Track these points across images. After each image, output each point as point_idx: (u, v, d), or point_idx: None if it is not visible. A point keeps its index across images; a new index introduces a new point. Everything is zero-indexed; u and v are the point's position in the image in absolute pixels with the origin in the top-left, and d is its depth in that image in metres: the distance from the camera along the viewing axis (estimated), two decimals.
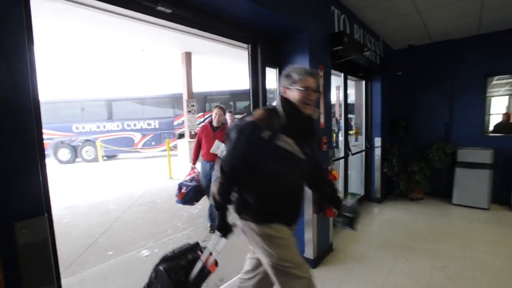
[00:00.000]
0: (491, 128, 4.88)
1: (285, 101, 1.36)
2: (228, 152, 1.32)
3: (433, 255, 2.71)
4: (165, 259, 1.40)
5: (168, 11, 1.66)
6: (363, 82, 4.34)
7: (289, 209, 1.42)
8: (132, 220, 4.09)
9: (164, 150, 9.35)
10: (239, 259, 2.64)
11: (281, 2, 2.05)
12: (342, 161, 3.69)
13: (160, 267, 1.36)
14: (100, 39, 6.16)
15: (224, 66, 9.13)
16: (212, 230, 3.46)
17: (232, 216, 1.42)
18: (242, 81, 10.34)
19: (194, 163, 3.48)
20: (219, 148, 3.24)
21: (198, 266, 1.40)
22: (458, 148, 4.15)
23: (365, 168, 4.48)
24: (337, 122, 8.85)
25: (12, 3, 0.95)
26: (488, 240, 3.03)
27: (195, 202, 3.26)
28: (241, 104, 11.14)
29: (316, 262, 2.57)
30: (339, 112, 9.64)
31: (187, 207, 4.02)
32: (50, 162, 9.85)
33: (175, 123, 11.02)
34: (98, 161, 9.98)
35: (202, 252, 1.46)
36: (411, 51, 4.62)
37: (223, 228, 1.38)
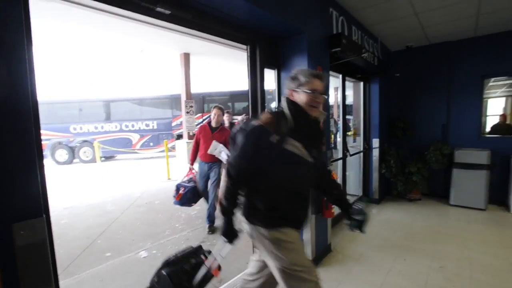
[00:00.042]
0: (488, 129, 4.92)
1: (292, 104, 1.34)
2: (235, 156, 1.30)
3: (431, 256, 2.73)
4: (167, 263, 1.36)
5: (167, 12, 1.66)
6: (361, 83, 4.37)
7: (298, 213, 1.40)
8: (130, 221, 4.08)
9: (162, 151, 9.33)
10: (239, 259, 2.65)
11: (280, 4, 2.06)
12: (340, 162, 3.70)
13: (163, 272, 1.32)
14: (99, 40, 6.15)
15: (222, 67, 9.13)
16: (211, 231, 3.45)
17: (238, 221, 1.39)
18: (240, 82, 10.33)
19: (192, 164, 3.47)
20: (217, 149, 3.22)
21: (202, 271, 1.36)
22: (455, 149, 4.18)
23: (363, 169, 4.50)
24: (336, 123, 8.87)
25: (12, 3, 0.96)
26: (485, 240, 3.05)
27: (193, 203, 3.26)
28: (239, 105, 11.13)
29: (314, 263, 2.57)
30: (337, 113, 9.68)
31: (185, 208, 4.02)
32: (48, 163, 9.80)
33: (174, 124, 10.98)
34: (95, 162, 9.94)
35: (205, 256, 1.43)
36: (409, 52, 4.65)
37: (229, 234, 1.35)
